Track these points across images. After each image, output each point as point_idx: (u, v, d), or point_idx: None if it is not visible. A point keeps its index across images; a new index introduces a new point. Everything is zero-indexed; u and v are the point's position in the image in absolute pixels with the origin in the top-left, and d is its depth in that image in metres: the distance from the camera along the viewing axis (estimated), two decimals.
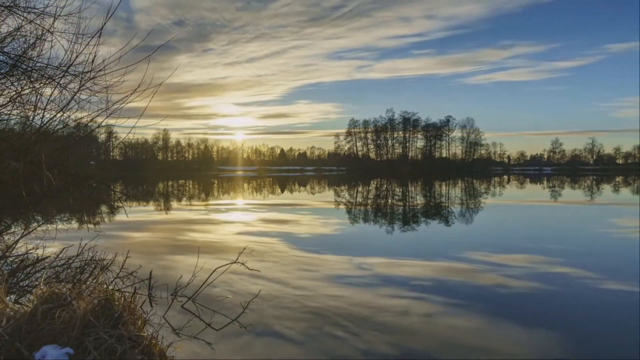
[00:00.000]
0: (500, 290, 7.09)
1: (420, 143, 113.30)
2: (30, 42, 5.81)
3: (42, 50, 5.74)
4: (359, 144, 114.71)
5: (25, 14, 5.61)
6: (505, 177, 73.79)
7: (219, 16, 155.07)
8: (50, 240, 8.18)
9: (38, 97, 5.62)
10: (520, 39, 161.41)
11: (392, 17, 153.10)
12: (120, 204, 11.30)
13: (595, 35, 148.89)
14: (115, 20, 4.74)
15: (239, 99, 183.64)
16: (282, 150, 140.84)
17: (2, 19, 5.79)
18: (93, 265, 6.79)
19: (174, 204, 25.30)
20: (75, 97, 5.55)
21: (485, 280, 7.70)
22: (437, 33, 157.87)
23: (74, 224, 14.16)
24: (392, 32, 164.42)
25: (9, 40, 6.01)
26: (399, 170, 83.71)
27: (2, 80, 5.77)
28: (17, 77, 5.85)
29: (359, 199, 28.72)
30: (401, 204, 25.15)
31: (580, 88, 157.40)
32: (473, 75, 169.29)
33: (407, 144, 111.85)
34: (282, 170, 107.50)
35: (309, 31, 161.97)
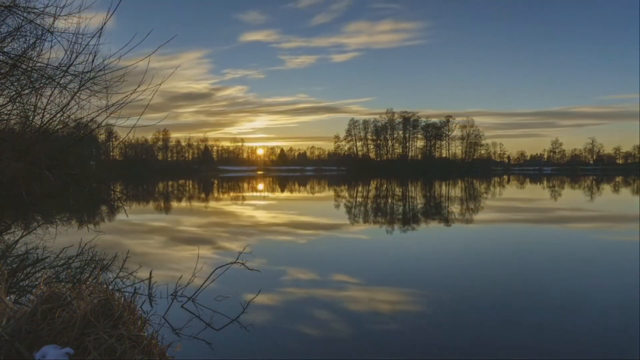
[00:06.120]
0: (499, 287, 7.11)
1: (420, 143, 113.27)
2: (30, 42, 5.81)
3: (42, 50, 5.74)
4: (359, 144, 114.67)
5: (25, 14, 5.62)
6: (505, 177, 73.76)
7: None
8: (50, 240, 8.18)
9: (38, 97, 5.62)
10: None
11: None
12: (120, 204, 11.30)
13: None
14: None
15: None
16: (282, 150, 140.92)
17: (2, 19, 5.79)
18: (93, 265, 6.81)
19: (174, 203, 25.30)
20: (75, 97, 5.56)
21: (493, 280, 7.71)
22: None
23: (74, 224, 14.17)
24: None
25: (9, 40, 6.01)
26: (402, 170, 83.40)
27: (2, 80, 5.78)
28: (17, 77, 5.85)
29: (359, 199, 28.73)
30: (401, 204, 25.16)
31: None
32: None
33: (407, 144, 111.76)
34: (282, 170, 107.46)
35: None
